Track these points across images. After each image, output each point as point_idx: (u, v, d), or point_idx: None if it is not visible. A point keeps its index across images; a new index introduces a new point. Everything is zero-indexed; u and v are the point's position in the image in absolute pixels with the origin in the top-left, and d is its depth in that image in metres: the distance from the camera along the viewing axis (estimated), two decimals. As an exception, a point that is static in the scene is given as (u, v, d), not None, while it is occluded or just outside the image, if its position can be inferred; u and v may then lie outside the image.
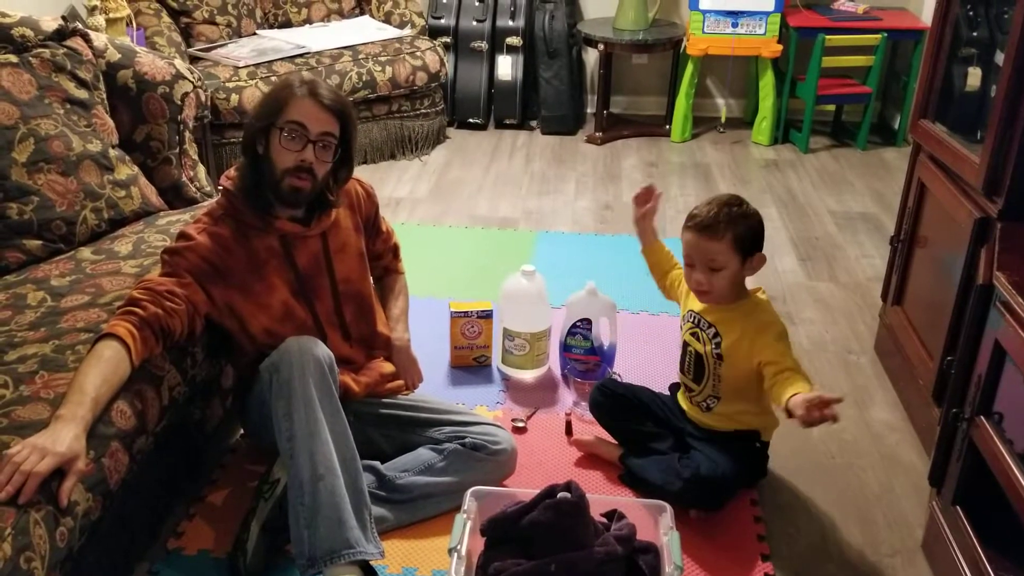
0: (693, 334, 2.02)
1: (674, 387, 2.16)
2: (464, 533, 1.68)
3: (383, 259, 2.19)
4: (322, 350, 1.79)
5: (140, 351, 1.67)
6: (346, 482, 1.69)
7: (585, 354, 2.40)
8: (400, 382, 2.11)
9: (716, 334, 1.95)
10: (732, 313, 1.94)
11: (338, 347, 1.94)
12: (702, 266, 1.89)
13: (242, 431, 2.18)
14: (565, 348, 2.42)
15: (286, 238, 1.88)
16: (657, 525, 1.75)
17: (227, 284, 1.85)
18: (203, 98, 2.57)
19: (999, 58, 1.95)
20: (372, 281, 2.11)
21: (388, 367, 2.10)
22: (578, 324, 2.38)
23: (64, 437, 1.45)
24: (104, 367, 1.59)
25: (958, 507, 1.75)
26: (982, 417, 1.66)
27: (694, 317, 2.01)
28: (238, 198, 1.87)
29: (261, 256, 1.87)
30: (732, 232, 1.85)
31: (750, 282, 2.00)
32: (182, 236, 1.86)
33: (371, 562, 1.67)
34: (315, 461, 1.67)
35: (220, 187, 1.90)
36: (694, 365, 2.03)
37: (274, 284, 1.88)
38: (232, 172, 1.92)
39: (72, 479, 1.44)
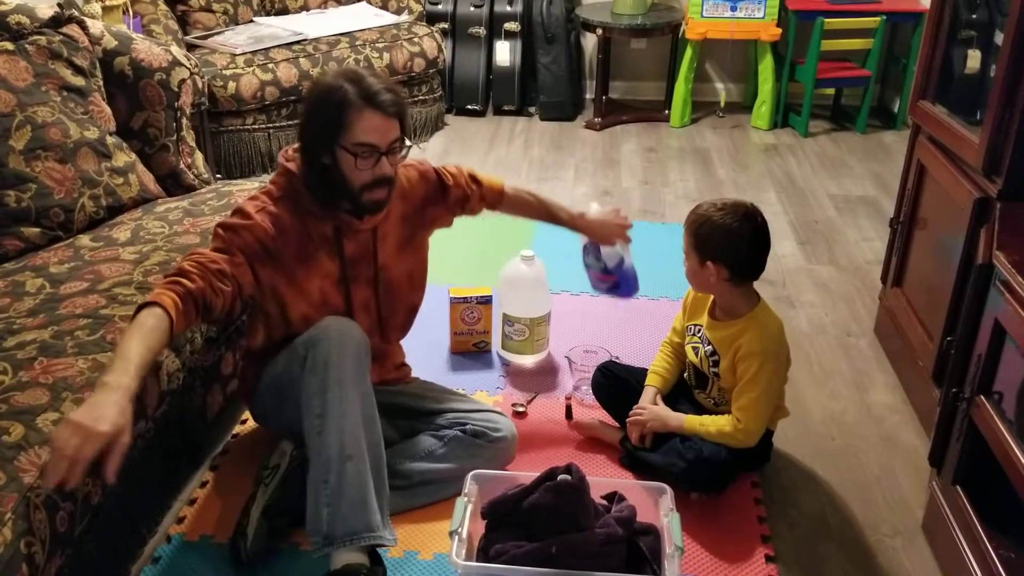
0: (694, 348, 2.04)
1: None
2: (465, 516, 1.68)
3: (471, 198, 2.08)
4: (359, 332, 1.77)
5: (180, 324, 1.62)
6: (371, 466, 1.68)
7: (602, 273, 2.28)
8: (407, 370, 2.11)
9: (713, 352, 1.97)
10: (730, 331, 1.95)
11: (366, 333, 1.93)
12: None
13: (244, 418, 2.18)
14: (585, 266, 2.30)
15: (340, 228, 1.85)
16: (657, 507, 1.76)
17: (275, 268, 1.81)
18: (200, 85, 2.56)
19: (999, 39, 1.94)
20: (417, 265, 2.06)
21: (399, 357, 2.10)
22: (587, 247, 2.26)
23: (107, 413, 1.39)
24: (148, 336, 1.55)
25: (958, 487, 1.75)
26: (982, 397, 1.66)
27: (698, 331, 2.04)
28: (300, 183, 1.81)
29: (313, 241, 1.83)
30: (693, 229, 1.90)
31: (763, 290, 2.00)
32: (240, 212, 1.79)
33: (389, 544, 1.67)
34: (344, 441, 1.66)
35: (281, 166, 1.84)
36: (695, 376, 2.06)
37: (317, 270, 1.85)
38: (291, 153, 1.85)
39: (117, 455, 1.40)
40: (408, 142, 1.80)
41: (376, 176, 1.75)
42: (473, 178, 2.10)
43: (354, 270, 1.90)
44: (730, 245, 1.88)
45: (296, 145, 1.84)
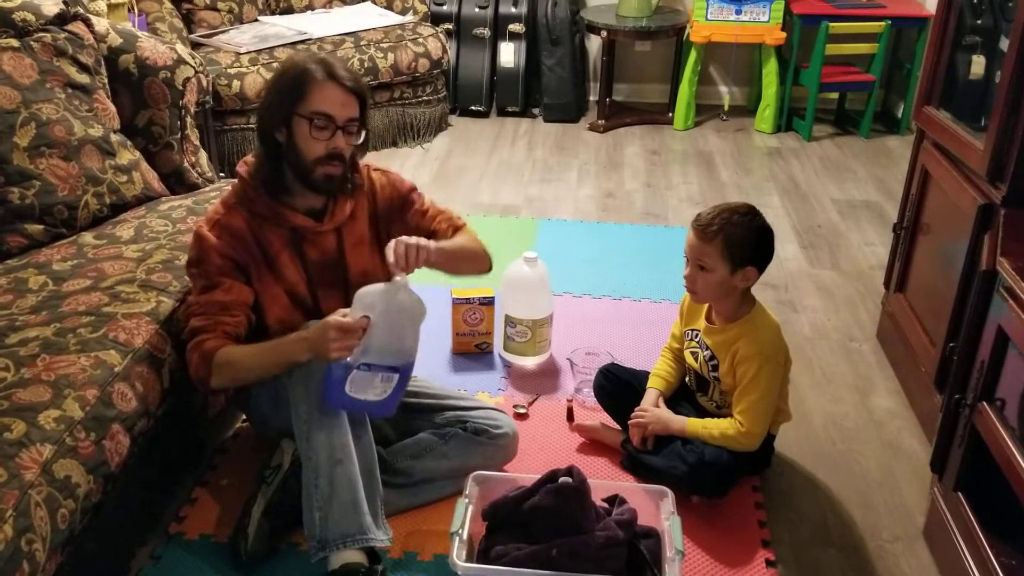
0: (693, 353, 2.04)
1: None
2: (466, 517, 1.68)
3: (437, 236, 1.97)
4: None
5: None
6: (361, 467, 1.69)
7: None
8: None
9: (712, 356, 1.97)
10: (727, 335, 1.95)
11: None
12: (693, 263, 1.90)
13: (244, 417, 2.18)
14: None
15: (297, 231, 1.85)
16: (658, 510, 1.76)
17: (247, 277, 1.83)
18: (205, 83, 2.56)
19: (1004, 44, 1.94)
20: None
21: None
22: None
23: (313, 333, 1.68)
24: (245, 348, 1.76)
25: (959, 493, 1.75)
26: (984, 403, 1.66)
27: (695, 336, 2.03)
28: (252, 186, 1.83)
29: (274, 247, 1.84)
30: (723, 237, 1.84)
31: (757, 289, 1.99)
32: (197, 240, 1.80)
33: (384, 544, 1.67)
34: (332, 445, 1.67)
35: (236, 174, 1.86)
36: (696, 380, 2.06)
37: (283, 275, 1.86)
38: (249, 158, 1.87)
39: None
40: (365, 133, 1.82)
41: (330, 149, 1.76)
42: (448, 221, 2.00)
43: (320, 275, 1.89)
44: (764, 244, 1.88)
45: (253, 152, 1.87)
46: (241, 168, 1.86)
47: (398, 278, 1.70)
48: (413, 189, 2.00)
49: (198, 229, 1.82)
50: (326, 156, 1.76)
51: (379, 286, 1.71)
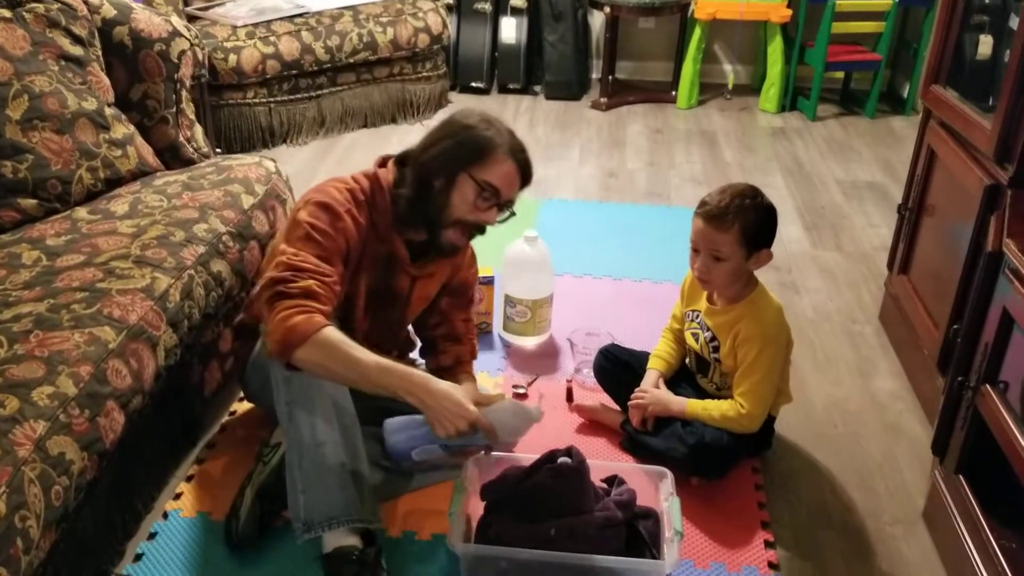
0: (693, 334, 2.02)
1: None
2: (464, 497, 1.67)
3: (460, 343, 2.05)
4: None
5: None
6: (345, 448, 1.67)
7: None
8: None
9: (713, 338, 1.96)
10: (728, 316, 1.93)
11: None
12: (706, 254, 1.86)
13: (241, 396, 2.17)
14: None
15: (392, 257, 1.83)
16: (658, 491, 1.75)
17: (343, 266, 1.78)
18: (200, 57, 2.52)
19: (1013, 23, 1.91)
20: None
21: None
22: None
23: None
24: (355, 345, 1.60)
25: (961, 476, 1.74)
26: (987, 386, 1.64)
27: (696, 317, 2.01)
28: (385, 201, 1.78)
29: (366, 256, 1.80)
30: (740, 224, 1.81)
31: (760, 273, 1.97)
32: (330, 211, 1.69)
33: (371, 527, 1.66)
34: (315, 426, 1.65)
35: (373, 172, 1.80)
36: (696, 361, 2.05)
37: (356, 282, 1.82)
38: (391, 165, 1.82)
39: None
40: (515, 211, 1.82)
41: (478, 219, 1.76)
42: (471, 349, 2.08)
43: (380, 303, 1.88)
44: (773, 224, 1.87)
45: (390, 155, 1.84)
46: (383, 174, 1.80)
47: (537, 411, 1.72)
48: (472, 285, 2.09)
49: (332, 203, 1.71)
50: (470, 223, 1.76)
51: (522, 408, 1.71)
